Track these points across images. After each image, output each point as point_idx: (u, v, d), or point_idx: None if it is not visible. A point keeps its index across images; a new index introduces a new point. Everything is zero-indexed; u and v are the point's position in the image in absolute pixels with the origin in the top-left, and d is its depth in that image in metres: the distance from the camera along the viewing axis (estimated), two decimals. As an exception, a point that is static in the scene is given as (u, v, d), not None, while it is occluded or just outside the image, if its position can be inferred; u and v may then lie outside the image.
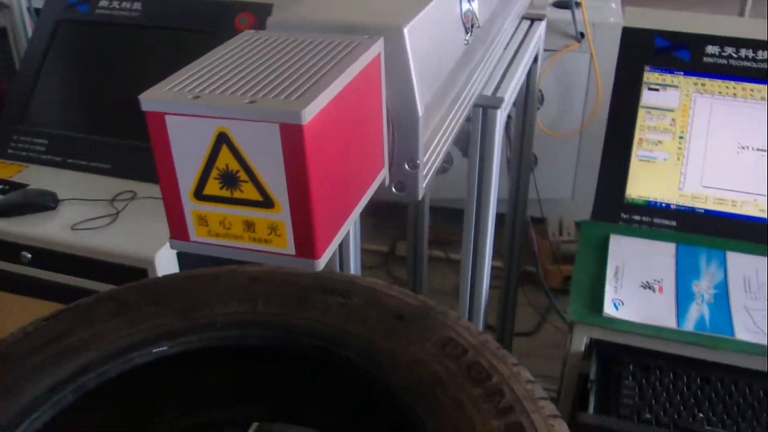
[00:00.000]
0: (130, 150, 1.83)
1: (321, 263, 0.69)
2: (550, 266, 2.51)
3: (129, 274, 1.50)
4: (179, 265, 1.55)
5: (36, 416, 0.79)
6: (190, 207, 0.71)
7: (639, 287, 1.40)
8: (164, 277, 1.00)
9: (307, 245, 0.68)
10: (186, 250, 0.73)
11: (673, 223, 1.54)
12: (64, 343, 0.86)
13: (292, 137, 0.64)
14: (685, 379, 1.30)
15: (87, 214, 1.64)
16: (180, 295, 0.94)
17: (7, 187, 1.75)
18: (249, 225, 0.70)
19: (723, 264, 1.45)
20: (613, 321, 1.32)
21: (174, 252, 1.52)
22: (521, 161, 1.86)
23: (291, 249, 0.69)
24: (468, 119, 1.30)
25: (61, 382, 0.81)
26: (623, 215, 1.57)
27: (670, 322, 1.32)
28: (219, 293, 0.94)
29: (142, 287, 0.96)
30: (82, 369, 0.83)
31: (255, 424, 1.20)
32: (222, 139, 0.67)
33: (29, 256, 1.61)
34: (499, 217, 2.10)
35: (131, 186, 1.75)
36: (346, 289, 0.92)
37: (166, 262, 1.51)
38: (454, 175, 2.33)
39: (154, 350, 0.86)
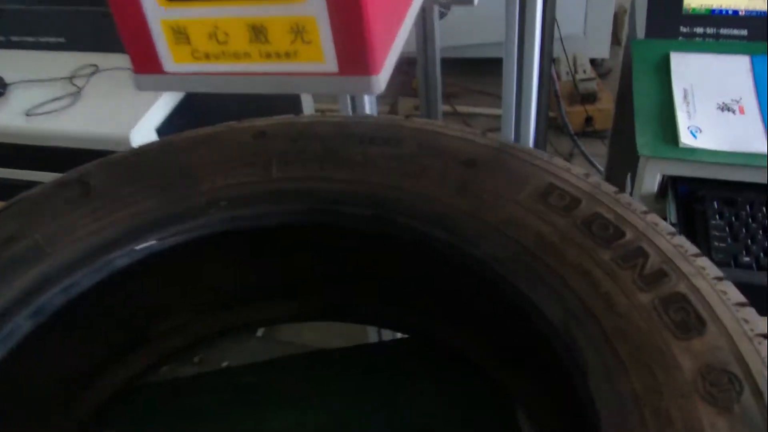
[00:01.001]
0: (86, 18, 1.50)
1: (381, 81, 0.42)
2: (569, 108, 2.24)
3: (102, 159, 1.22)
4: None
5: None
6: (160, 16, 0.43)
7: (716, 110, 1.14)
8: (139, 148, 0.72)
9: (357, 53, 0.40)
10: (161, 89, 0.46)
11: (744, 32, 1.26)
12: (12, 250, 0.60)
13: None
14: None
15: (42, 97, 1.34)
16: (164, 169, 0.67)
17: (-59, 76, 1.43)
18: (258, 31, 0.42)
19: (809, 73, 1.18)
20: (694, 152, 1.07)
21: (153, 126, 1.24)
22: (544, -16, 1.54)
23: (331, 62, 0.41)
24: None
25: (12, 305, 0.56)
26: (683, 29, 1.28)
27: (761, 146, 1.07)
28: (216, 160, 0.67)
29: (110, 163, 0.69)
30: (39, 284, 0.57)
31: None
32: None
33: (-20, 152, 1.33)
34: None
35: (91, 59, 1.44)
36: (391, 135, 0.65)
37: (144, 141, 1.23)
38: (453, 21, 2.02)
39: (138, 247, 0.61)
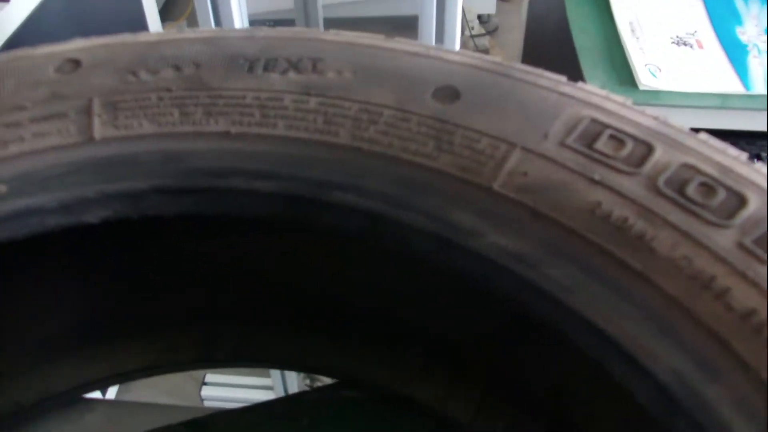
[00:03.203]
0: None
1: None
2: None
3: None
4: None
5: None
6: None
7: (671, 45, 0.94)
8: None
9: None
10: None
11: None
12: None
13: None
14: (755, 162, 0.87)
15: None
16: None
17: None
18: None
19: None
20: (657, 95, 0.86)
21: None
22: None
23: None
24: None
25: None
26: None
27: (734, 86, 0.87)
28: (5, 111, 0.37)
29: None
30: None
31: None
32: None
33: None
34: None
35: None
36: (305, 55, 0.38)
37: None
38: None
39: None
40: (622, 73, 0.89)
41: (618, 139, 0.33)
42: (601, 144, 0.32)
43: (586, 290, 0.29)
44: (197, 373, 1.51)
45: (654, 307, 0.28)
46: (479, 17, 2.24)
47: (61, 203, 0.34)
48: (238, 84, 0.36)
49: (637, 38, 0.93)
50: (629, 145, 0.32)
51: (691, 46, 0.93)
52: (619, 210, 0.30)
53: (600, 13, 0.99)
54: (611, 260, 0.29)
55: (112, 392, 1.44)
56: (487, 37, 2.08)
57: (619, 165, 0.32)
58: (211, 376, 1.50)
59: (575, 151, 0.32)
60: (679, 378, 0.27)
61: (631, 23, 0.96)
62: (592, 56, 0.92)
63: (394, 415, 0.45)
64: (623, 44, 0.93)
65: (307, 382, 1.46)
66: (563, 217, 0.30)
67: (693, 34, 0.95)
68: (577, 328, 0.29)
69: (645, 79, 0.86)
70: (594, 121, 0.33)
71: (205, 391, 1.48)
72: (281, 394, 1.54)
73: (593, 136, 0.33)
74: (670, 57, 0.91)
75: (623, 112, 0.34)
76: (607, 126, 0.33)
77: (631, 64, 0.89)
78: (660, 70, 0.89)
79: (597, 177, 0.31)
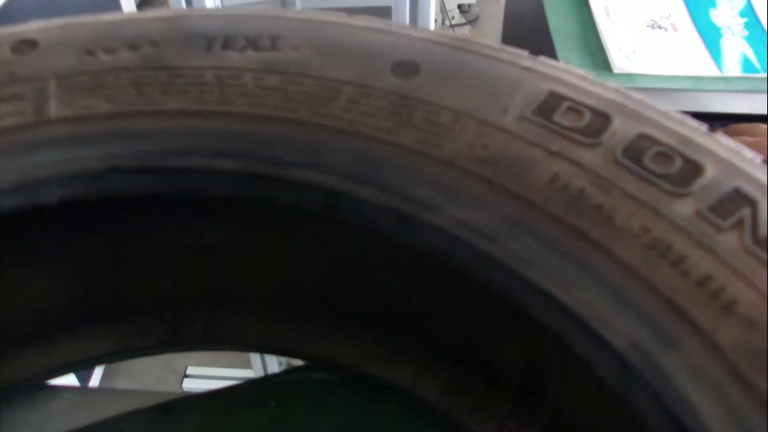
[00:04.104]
0: None
1: None
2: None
3: None
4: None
5: None
6: None
7: (646, 28, 0.94)
8: None
9: None
10: None
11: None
12: None
13: None
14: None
15: None
16: None
17: None
18: None
19: (739, -17, 1.01)
20: (632, 78, 0.86)
21: None
22: None
23: None
24: None
25: None
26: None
27: (708, 68, 0.87)
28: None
29: None
30: None
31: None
32: None
33: None
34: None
35: None
36: (264, 32, 0.37)
37: None
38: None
39: None
40: (597, 57, 0.89)
41: (576, 110, 0.33)
42: (559, 116, 0.32)
43: (544, 262, 0.29)
44: (179, 366, 1.50)
45: (611, 276, 0.28)
46: (459, 7, 2.23)
47: (17, 184, 0.33)
48: (197, 62, 0.36)
49: (612, 22, 0.94)
50: (587, 117, 0.32)
51: (666, 30, 0.93)
52: (576, 181, 0.30)
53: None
54: (569, 231, 0.29)
55: (94, 384, 1.44)
56: (467, 27, 2.08)
57: (577, 136, 0.32)
58: (192, 369, 1.50)
59: (534, 123, 0.32)
60: (636, 347, 0.27)
61: (606, 7, 0.96)
62: (568, 40, 0.92)
63: (364, 396, 0.45)
64: (598, 28, 0.93)
65: (291, 373, 1.46)
66: (521, 188, 0.30)
67: (668, 18, 0.95)
68: (535, 300, 0.29)
69: (619, 63, 0.87)
70: (553, 93, 0.33)
71: (187, 384, 1.48)
72: (265, 385, 1.54)
73: (552, 108, 0.33)
74: (645, 40, 0.91)
75: (583, 84, 0.34)
76: (565, 98, 0.33)
77: (605, 48, 0.90)
78: (634, 54, 0.89)
79: (555, 148, 0.31)
